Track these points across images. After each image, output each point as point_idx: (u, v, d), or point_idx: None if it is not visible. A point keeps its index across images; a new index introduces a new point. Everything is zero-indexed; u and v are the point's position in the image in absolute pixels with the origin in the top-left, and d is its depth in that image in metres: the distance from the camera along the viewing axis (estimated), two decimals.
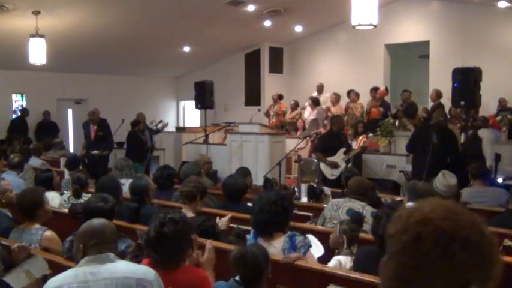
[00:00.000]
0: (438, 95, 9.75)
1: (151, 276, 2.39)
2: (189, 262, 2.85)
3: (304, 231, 3.77)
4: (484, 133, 7.08)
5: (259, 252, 2.66)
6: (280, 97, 12.07)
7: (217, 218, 4.03)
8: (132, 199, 4.46)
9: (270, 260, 2.69)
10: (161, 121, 11.48)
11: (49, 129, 12.60)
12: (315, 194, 5.31)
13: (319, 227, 4.24)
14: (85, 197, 4.71)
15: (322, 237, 3.74)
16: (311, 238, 3.45)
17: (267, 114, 12.08)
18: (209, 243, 3.06)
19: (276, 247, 3.28)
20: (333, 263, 3.31)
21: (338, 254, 3.43)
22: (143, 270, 2.43)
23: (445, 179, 4.49)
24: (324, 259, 3.49)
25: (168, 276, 2.66)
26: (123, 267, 2.39)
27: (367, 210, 4.12)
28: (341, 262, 3.28)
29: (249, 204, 4.86)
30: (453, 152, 6.63)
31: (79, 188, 4.98)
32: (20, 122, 12.53)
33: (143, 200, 4.45)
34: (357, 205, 4.22)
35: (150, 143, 10.61)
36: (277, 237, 3.32)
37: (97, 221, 2.59)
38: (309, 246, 3.31)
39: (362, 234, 3.61)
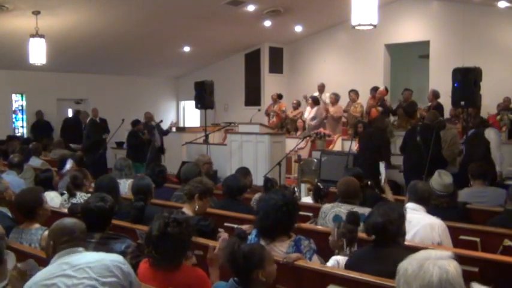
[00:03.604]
0: (435, 95, 9.76)
1: (121, 258, 2.53)
2: (188, 262, 2.85)
3: (304, 231, 3.77)
4: (490, 134, 6.91)
5: (249, 251, 2.53)
6: (279, 97, 12.08)
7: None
8: (136, 199, 4.47)
9: (264, 262, 2.53)
10: (161, 121, 11.49)
11: (43, 129, 12.64)
12: (319, 195, 5.26)
13: (319, 227, 4.24)
14: (85, 196, 4.71)
15: (322, 237, 3.73)
16: None
17: (267, 114, 12.09)
18: (222, 240, 3.03)
19: (280, 250, 3.25)
20: (331, 262, 3.31)
21: (338, 254, 3.42)
22: (113, 255, 2.58)
23: (440, 178, 4.46)
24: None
25: (167, 276, 2.66)
26: (93, 255, 2.55)
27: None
28: (339, 262, 3.28)
29: (252, 202, 4.89)
30: (434, 152, 6.66)
31: (72, 187, 4.98)
32: (74, 121, 12.73)
33: (146, 200, 4.48)
34: (343, 209, 4.19)
35: (159, 143, 10.62)
36: (280, 240, 3.28)
37: (68, 220, 2.73)
38: (314, 250, 3.28)
39: (361, 234, 3.60)
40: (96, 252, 2.68)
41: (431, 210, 4.04)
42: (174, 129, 11.69)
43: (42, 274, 2.44)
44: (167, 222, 2.71)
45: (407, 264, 1.72)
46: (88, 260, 2.46)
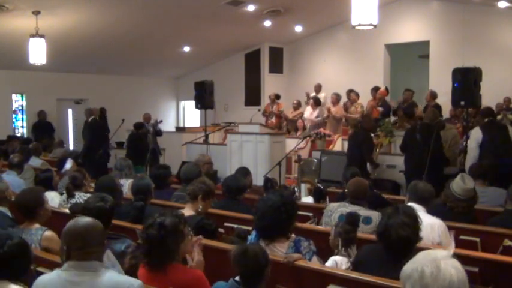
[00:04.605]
0: (433, 95, 9.78)
1: None
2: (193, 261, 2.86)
3: (304, 231, 3.77)
4: None
5: (259, 251, 2.65)
6: (277, 97, 12.07)
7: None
8: (136, 199, 4.47)
9: (269, 260, 2.68)
10: (158, 121, 11.47)
11: (45, 129, 12.65)
12: (321, 195, 5.27)
13: (319, 227, 4.23)
14: (84, 196, 4.70)
15: (322, 237, 3.73)
16: None
17: (265, 114, 12.06)
18: (197, 246, 2.97)
19: (279, 250, 3.26)
20: (329, 262, 3.31)
21: (337, 254, 3.42)
22: (127, 285, 2.36)
23: (463, 182, 4.30)
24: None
25: (163, 277, 2.66)
26: (104, 281, 2.33)
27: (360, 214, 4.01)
28: (337, 262, 3.28)
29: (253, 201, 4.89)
30: (435, 151, 6.63)
31: (72, 187, 4.98)
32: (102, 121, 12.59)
33: (146, 200, 4.48)
34: (351, 210, 4.19)
35: (152, 145, 10.56)
36: (280, 241, 3.29)
37: (83, 221, 2.49)
38: (314, 252, 3.28)
39: (360, 234, 3.60)
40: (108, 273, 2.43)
41: (445, 213, 4.01)
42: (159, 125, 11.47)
43: (49, 280, 2.36)
44: (149, 225, 2.72)
45: (423, 267, 1.68)
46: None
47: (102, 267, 2.41)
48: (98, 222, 2.55)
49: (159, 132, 10.98)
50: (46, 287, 2.35)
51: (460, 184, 4.30)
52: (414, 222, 2.96)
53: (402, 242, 2.87)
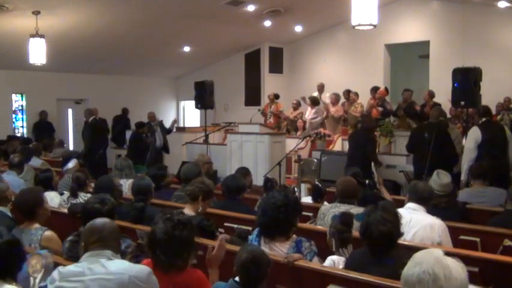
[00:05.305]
0: (431, 95, 9.79)
1: (144, 274, 2.47)
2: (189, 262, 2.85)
3: (304, 232, 3.77)
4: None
5: (266, 258, 2.66)
6: (276, 97, 12.05)
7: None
8: (136, 199, 4.47)
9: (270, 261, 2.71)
10: (161, 121, 11.48)
11: (45, 129, 12.67)
12: (320, 194, 5.27)
13: (319, 227, 4.23)
14: (84, 196, 4.70)
15: (322, 237, 3.73)
16: None
17: (264, 114, 12.05)
18: (221, 240, 3.00)
19: (280, 250, 3.26)
20: (327, 262, 3.33)
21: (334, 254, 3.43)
22: (137, 269, 2.51)
23: (438, 178, 4.47)
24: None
25: (167, 278, 2.65)
26: (117, 265, 2.50)
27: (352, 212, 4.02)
28: (334, 262, 3.30)
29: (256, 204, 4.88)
30: (446, 149, 6.59)
31: (76, 187, 4.98)
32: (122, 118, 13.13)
33: (146, 200, 4.48)
34: (342, 210, 4.17)
35: (160, 143, 10.53)
36: (280, 241, 3.30)
37: (99, 220, 2.72)
38: (315, 252, 3.29)
39: (356, 234, 3.59)
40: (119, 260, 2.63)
41: (430, 210, 4.03)
42: (175, 126, 11.64)
43: (72, 268, 2.48)
44: (174, 225, 2.68)
45: (433, 269, 1.66)
46: (109, 270, 2.44)
47: (116, 256, 2.58)
48: (114, 222, 2.77)
49: (168, 131, 11.03)
50: (70, 273, 2.45)
51: (436, 181, 4.47)
52: (394, 217, 2.99)
53: (383, 237, 2.91)
